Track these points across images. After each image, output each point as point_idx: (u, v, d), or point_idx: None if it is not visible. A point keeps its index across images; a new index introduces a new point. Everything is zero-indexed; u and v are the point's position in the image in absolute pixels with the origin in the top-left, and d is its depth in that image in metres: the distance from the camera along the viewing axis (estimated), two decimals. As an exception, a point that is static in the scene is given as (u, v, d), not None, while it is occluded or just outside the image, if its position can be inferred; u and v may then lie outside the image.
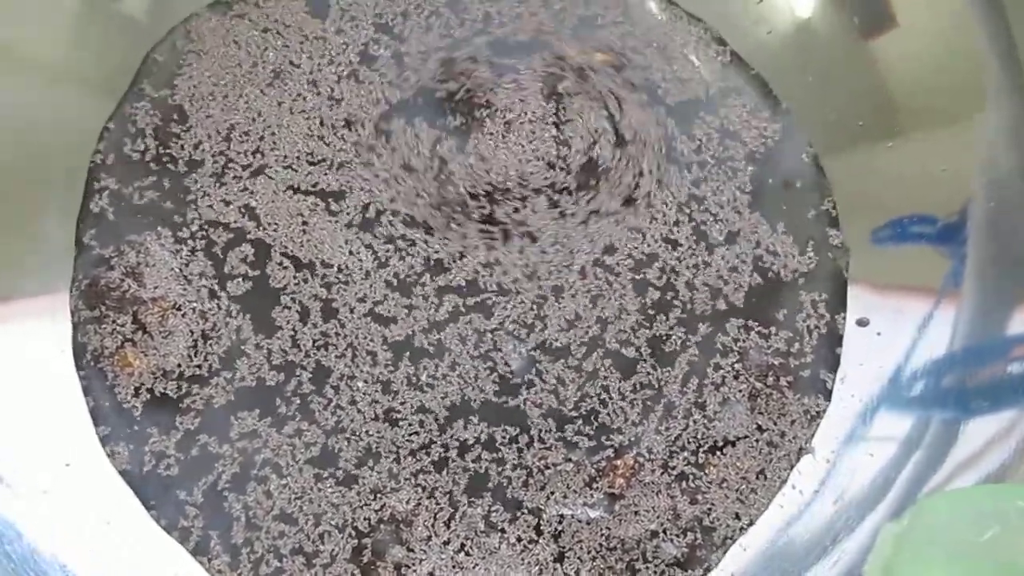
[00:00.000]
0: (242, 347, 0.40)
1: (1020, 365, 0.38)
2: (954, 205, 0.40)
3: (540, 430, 0.40)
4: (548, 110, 0.41)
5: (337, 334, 0.40)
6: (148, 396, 0.39)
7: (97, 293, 0.40)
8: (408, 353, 0.40)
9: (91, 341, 0.39)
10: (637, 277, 0.41)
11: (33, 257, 0.40)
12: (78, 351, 0.39)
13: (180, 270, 0.40)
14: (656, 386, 0.40)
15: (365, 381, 0.40)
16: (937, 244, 0.40)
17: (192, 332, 0.40)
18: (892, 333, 0.40)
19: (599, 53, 0.42)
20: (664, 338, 0.40)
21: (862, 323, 0.41)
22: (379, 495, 0.39)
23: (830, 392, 0.40)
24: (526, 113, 0.41)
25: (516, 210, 0.41)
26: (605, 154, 0.41)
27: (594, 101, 0.41)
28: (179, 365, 0.39)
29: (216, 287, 0.40)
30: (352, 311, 0.40)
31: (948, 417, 0.39)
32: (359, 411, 0.40)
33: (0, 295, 0.39)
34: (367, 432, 0.39)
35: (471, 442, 0.39)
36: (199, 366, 0.40)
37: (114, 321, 0.40)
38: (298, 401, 0.39)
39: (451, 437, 0.39)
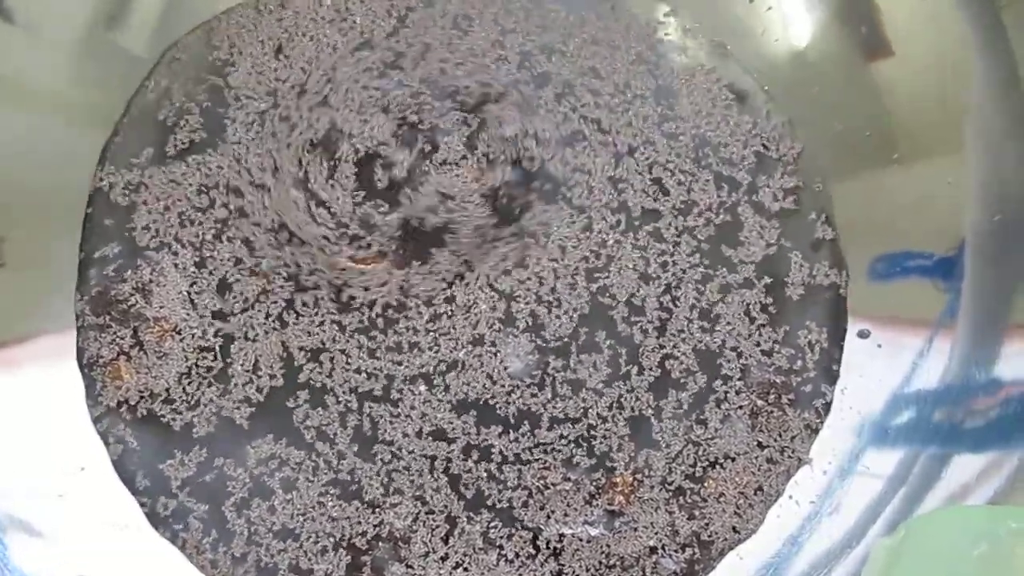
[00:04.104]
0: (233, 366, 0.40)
1: (1007, 406, 0.38)
2: (952, 240, 0.40)
3: (537, 442, 0.40)
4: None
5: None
6: (144, 412, 0.40)
7: (105, 302, 0.40)
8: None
9: (90, 347, 0.40)
10: (638, 293, 0.41)
11: (47, 274, 0.40)
12: (80, 356, 0.40)
13: (188, 295, 0.40)
14: (657, 402, 0.40)
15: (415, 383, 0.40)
16: (934, 277, 0.40)
17: (187, 359, 0.40)
18: (892, 346, 0.40)
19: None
20: (666, 355, 0.41)
21: (863, 335, 0.41)
22: (377, 510, 0.39)
23: (829, 405, 0.40)
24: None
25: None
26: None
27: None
28: (167, 389, 0.40)
29: (220, 320, 0.40)
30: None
31: (938, 448, 0.39)
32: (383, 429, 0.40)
33: (20, 324, 0.40)
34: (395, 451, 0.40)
35: (471, 457, 0.40)
36: (191, 393, 0.40)
37: (115, 332, 0.40)
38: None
39: (451, 450, 0.40)
